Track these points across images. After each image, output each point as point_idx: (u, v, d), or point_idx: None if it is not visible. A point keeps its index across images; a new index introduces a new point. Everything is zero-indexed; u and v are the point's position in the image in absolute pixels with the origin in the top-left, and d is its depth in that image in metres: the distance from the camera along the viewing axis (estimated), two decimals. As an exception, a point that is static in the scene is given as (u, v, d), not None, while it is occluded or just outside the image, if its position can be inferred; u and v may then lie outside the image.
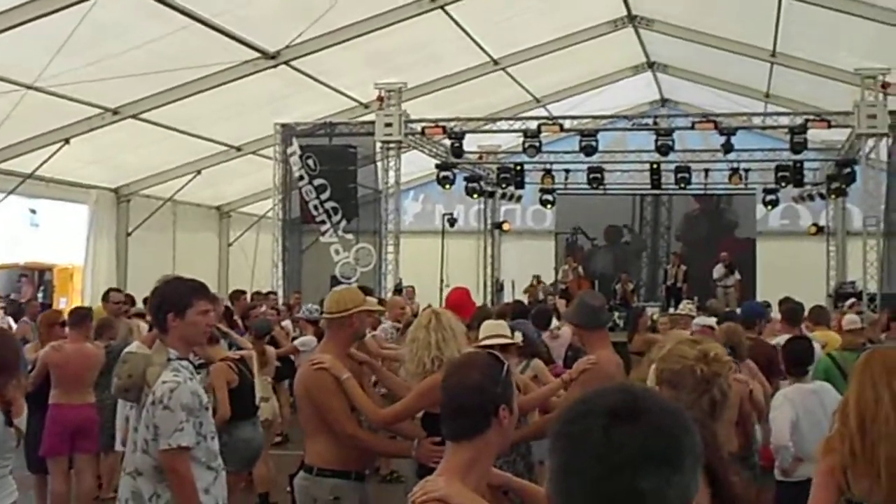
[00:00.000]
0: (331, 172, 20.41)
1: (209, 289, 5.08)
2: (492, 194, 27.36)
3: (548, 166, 25.16)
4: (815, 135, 20.93)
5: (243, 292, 14.52)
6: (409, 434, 5.44)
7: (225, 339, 10.61)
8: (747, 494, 2.15)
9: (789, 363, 6.92)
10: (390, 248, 20.39)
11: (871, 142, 19.09)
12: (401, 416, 5.42)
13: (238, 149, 21.86)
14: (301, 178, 20.44)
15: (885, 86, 17.93)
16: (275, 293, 18.47)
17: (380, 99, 19.87)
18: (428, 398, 5.12)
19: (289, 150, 20.56)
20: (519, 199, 27.38)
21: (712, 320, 10.14)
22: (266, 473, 9.90)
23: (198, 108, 18.31)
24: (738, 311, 13.19)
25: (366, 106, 21.28)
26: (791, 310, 10.52)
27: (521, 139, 20.27)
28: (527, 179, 24.90)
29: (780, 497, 6.56)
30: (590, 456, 1.50)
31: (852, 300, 18.00)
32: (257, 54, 17.27)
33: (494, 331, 6.38)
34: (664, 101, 28.02)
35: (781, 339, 7.81)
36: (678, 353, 3.59)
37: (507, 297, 24.51)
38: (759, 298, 21.23)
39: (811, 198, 25.51)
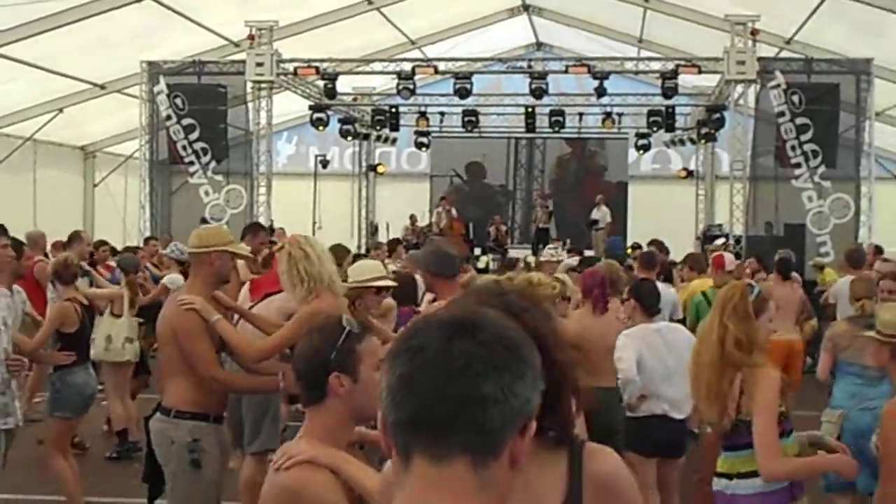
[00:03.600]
0: (200, 112, 19.85)
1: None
2: (366, 136, 27.12)
3: (423, 109, 25.07)
4: (687, 80, 21.28)
5: (105, 243, 14.00)
6: (271, 370, 5.40)
7: (86, 277, 10.42)
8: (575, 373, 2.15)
9: (638, 304, 7.04)
10: (262, 190, 20.05)
11: (739, 88, 19.45)
12: (274, 349, 5.39)
13: (102, 87, 21.02)
14: (169, 117, 19.84)
15: (754, 32, 18.25)
16: (155, 239, 17.71)
17: (251, 37, 19.38)
18: (304, 328, 5.09)
19: (156, 89, 19.89)
20: (394, 141, 27.25)
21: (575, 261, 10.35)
22: (123, 413, 9.79)
23: (59, 43, 17.51)
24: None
25: (236, 44, 20.71)
26: (645, 254, 10.98)
27: (396, 81, 20.09)
28: (402, 122, 24.81)
29: (627, 432, 6.69)
30: (431, 365, 1.47)
31: (723, 240, 18.46)
32: (122, -13, 16.63)
33: (371, 272, 6.36)
34: (539, 45, 28.10)
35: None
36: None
37: (383, 240, 24.53)
38: (629, 241, 21.73)
39: (682, 142, 25.95)
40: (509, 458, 1.50)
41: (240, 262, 9.22)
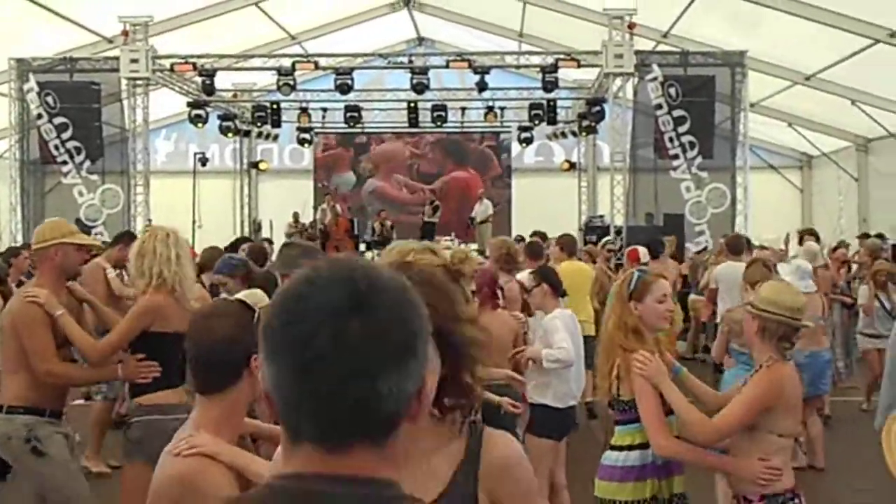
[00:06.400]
0: (73, 111, 19.30)
1: None
2: (247, 133, 26.69)
3: (304, 105, 24.86)
4: (568, 74, 21.47)
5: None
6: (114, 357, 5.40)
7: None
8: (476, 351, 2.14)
9: (550, 288, 7.15)
10: (139, 189, 19.60)
11: (618, 81, 19.68)
12: (116, 345, 5.35)
13: (-33, 84, 20.29)
14: (40, 116, 19.24)
15: (631, 26, 18.51)
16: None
17: (125, 33, 18.96)
18: (141, 320, 5.20)
19: (25, 87, 19.27)
20: (276, 137, 26.84)
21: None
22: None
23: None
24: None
25: (110, 41, 20.19)
26: (531, 244, 11.19)
27: (276, 77, 19.83)
28: (283, 118, 24.51)
29: (544, 418, 6.83)
30: (324, 363, 1.37)
31: (607, 238, 18.63)
32: (-14, -19, 16.03)
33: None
34: (421, 40, 28.08)
35: (524, 273, 8.04)
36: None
37: (266, 236, 24.23)
38: (514, 233, 21.85)
39: (564, 135, 26.19)
40: (408, 420, 1.46)
41: (111, 276, 9.07)
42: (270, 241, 18.17)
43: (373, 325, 1.39)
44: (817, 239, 13.61)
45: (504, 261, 8.15)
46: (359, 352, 1.37)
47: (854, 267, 15.53)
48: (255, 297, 6.51)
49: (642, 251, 11.39)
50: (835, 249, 15.88)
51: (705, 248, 17.68)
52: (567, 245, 11.66)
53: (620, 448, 4.67)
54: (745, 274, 8.31)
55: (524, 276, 7.78)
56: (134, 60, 18.76)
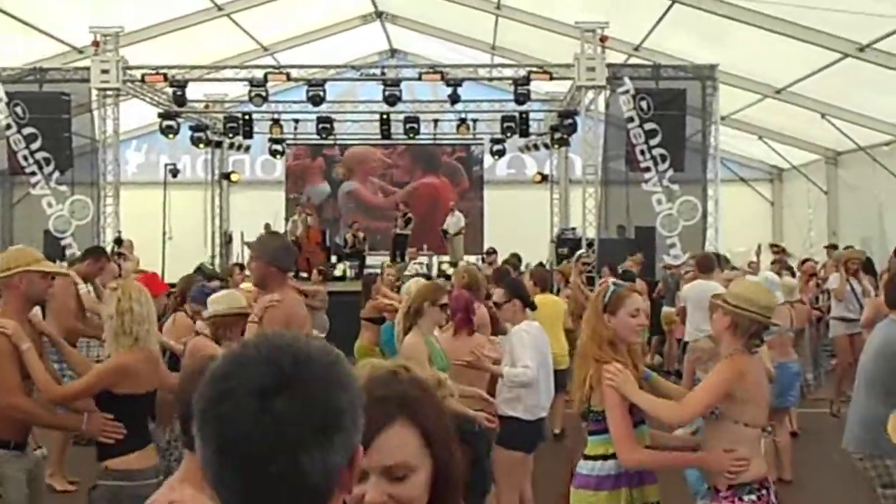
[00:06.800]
0: (42, 121, 19.12)
1: None
2: (219, 144, 26.61)
3: (276, 116, 24.81)
4: (540, 86, 21.53)
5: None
6: (82, 408, 5.27)
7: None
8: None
9: (520, 302, 7.25)
10: (109, 201, 19.42)
11: (590, 94, 19.73)
12: (79, 395, 5.27)
13: (-64, 94, 20.08)
14: (9, 126, 19.03)
15: (603, 39, 18.57)
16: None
17: (95, 44, 18.79)
18: (110, 378, 5.13)
19: (-6, 97, 19.12)
20: (247, 149, 26.76)
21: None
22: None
23: None
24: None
25: (80, 51, 20.08)
26: (498, 271, 11.72)
27: (248, 88, 19.76)
28: (255, 129, 24.47)
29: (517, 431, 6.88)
30: (243, 442, 1.41)
31: (580, 252, 18.61)
32: (-46, -9, 15.89)
33: (231, 303, 6.38)
34: (394, 52, 28.07)
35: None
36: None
37: (237, 249, 24.15)
38: (486, 245, 21.88)
39: (536, 147, 26.23)
40: (339, 489, 1.50)
41: (83, 292, 9.02)
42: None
43: (296, 404, 1.42)
44: (784, 251, 13.67)
45: (467, 289, 8.16)
46: (280, 430, 1.41)
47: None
48: (232, 299, 6.54)
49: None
50: (803, 263, 15.97)
51: (685, 263, 17.66)
52: (540, 279, 11.64)
53: (595, 458, 4.76)
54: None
55: (496, 292, 7.79)
56: (105, 71, 18.61)
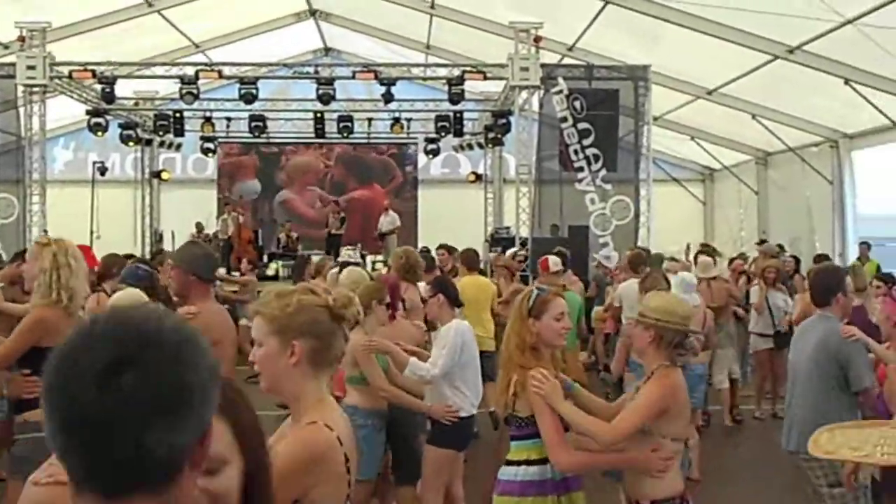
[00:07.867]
0: (-34, 117, 18.73)
1: None
2: (149, 142, 26.24)
3: (208, 114, 24.52)
4: (474, 86, 21.51)
5: None
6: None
7: None
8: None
9: (446, 298, 7.14)
10: (35, 199, 19.04)
11: (524, 94, 19.73)
12: (8, 358, 5.28)
13: None
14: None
15: (537, 39, 18.59)
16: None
17: (21, 39, 18.40)
18: (34, 335, 5.13)
19: (-88, 95, 18.67)
20: (178, 147, 26.41)
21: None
22: None
23: None
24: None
25: (6, 46, 19.65)
26: (468, 254, 11.86)
27: (179, 86, 19.49)
28: (186, 127, 24.15)
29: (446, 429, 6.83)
30: (85, 420, 1.40)
31: (515, 248, 18.62)
32: None
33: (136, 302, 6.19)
34: (328, 50, 27.96)
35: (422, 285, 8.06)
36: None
37: (168, 248, 23.78)
38: (419, 244, 21.80)
39: (470, 147, 26.26)
40: (189, 467, 1.49)
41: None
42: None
43: (140, 382, 1.41)
44: (712, 253, 13.79)
45: (405, 270, 8.15)
46: (123, 408, 1.39)
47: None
48: (132, 296, 6.38)
49: (553, 260, 11.37)
50: (732, 260, 16.14)
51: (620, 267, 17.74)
52: (468, 260, 11.77)
53: (518, 463, 4.72)
54: (640, 284, 8.47)
55: (422, 286, 7.76)
56: (31, 67, 18.26)
